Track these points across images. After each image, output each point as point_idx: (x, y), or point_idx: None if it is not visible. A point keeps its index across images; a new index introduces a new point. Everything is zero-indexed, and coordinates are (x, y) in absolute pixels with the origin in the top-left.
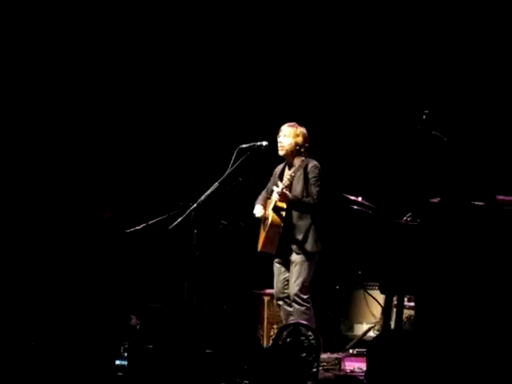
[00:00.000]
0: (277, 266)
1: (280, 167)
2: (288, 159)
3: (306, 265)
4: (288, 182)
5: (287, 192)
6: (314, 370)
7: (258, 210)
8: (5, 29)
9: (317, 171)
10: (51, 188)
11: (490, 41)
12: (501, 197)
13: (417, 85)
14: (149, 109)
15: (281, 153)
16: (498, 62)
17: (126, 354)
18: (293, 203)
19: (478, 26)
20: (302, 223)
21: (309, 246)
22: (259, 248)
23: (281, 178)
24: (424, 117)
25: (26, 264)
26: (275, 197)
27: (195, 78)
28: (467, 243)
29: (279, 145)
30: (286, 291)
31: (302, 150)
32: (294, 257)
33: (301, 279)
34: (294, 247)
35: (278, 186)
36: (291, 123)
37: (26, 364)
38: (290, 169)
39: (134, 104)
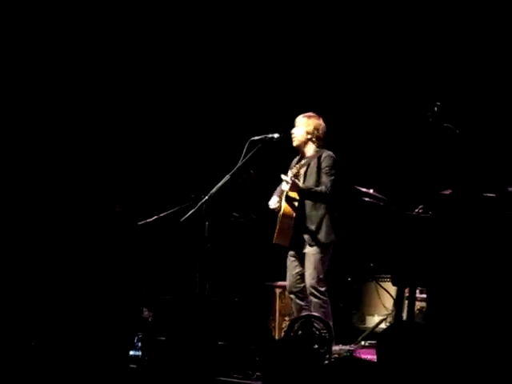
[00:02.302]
0: (290, 260)
1: (296, 159)
2: (300, 150)
3: (319, 257)
4: (296, 171)
5: (297, 181)
6: (326, 362)
7: (273, 202)
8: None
9: (330, 161)
10: (63, 182)
11: (503, 33)
12: None
13: (429, 77)
14: (160, 101)
15: (293, 144)
16: (510, 54)
17: (139, 344)
18: (304, 192)
19: (490, 18)
20: (315, 214)
21: (322, 236)
22: (273, 240)
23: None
24: (436, 109)
25: (39, 257)
26: (284, 186)
27: (208, 69)
28: (479, 235)
29: (292, 136)
30: (298, 285)
31: (314, 139)
32: (308, 249)
33: (316, 272)
34: (306, 238)
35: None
36: (306, 113)
37: (37, 356)
38: (300, 160)
39: (144, 96)
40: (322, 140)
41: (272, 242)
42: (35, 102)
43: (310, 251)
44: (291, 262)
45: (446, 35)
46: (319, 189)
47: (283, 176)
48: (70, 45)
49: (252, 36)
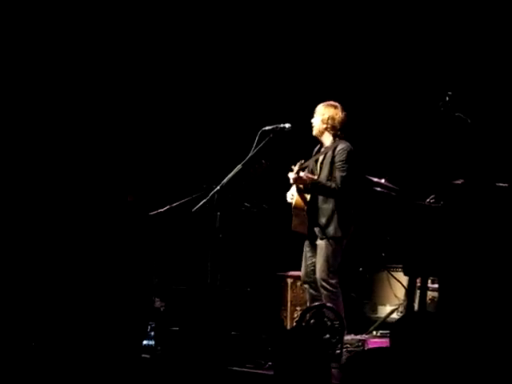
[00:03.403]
0: (306, 250)
1: (317, 148)
2: (319, 139)
3: (330, 249)
4: (298, 168)
5: (303, 174)
6: (338, 351)
7: (289, 195)
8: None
9: (344, 155)
10: (75, 173)
11: None
12: None
13: (440, 66)
14: (172, 91)
15: (313, 133)
16: None
17: (152, 334)
18: (311, 186)
19: (502, 8)
20: (326, 206)
21: (331, 230)
22: (292, 227)
23: (315, 159)
24: (447, 98)
25: (53, 247)
26: (291, 181)
27: (220, 60)
28: (491, 225)
29: (312, 125)
30: (311, 276)
31: (329, 128)
32: (319, 241)
33: (326, 264)
34: (316, 231)
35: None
36: (325, 102)
37: (51, 344)
38: (320, 149)
39: (156, 86)
40: (338, 130)
41: (287, 231)
42: (46, 94)
43: (321, 244)
44: (306, 252)
45: (457, 25)
46: (329, 184)
47: (290, 174)
48: (80, 42)
49: (264, 26)
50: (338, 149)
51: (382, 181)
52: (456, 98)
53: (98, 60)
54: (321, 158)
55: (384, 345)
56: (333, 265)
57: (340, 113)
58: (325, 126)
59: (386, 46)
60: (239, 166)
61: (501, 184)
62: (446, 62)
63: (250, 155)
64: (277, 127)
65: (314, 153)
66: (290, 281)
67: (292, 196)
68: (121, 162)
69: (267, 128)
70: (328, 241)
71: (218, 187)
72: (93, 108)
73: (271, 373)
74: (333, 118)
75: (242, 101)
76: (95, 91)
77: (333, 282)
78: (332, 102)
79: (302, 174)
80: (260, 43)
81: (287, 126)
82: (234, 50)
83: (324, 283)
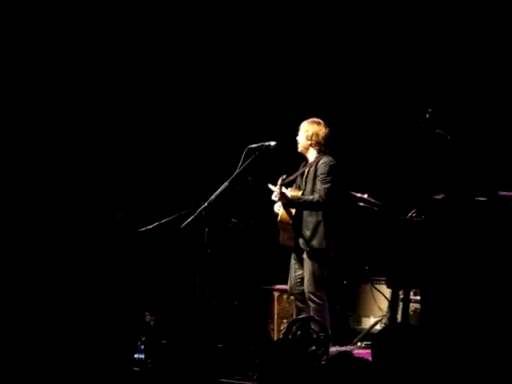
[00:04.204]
0: (292, 262)
1: (303, 164)
2: (304, 155)
3: (316, 263)
4: (280, 183)
5: (284, 190)
6: (323, 362)
7: (276, 206)
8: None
9: (327, 168)
10: (65, 190)
11: (492, 40)
12: (503, 193)
13: (420, 83)
14: (159, 108)
15: (298, 149)
16: (499, 61)
17: (143, 347)
18: (293, 202)
19: (480, 25)
20: (310, 219)
21: (316, 243)
22: (280, 241)
23: (301, 175)
24: (427, 115)
25: (41, 264)
26: (274, 197)
27: (206, 78)
28: (471, 238)
29: (297, 142)
30: (298, 288)
31: (314, 144)
32: (305, 255)
33: (312, 278)
34: (301, 243)
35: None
36: (309, 119)
37: (41, 359)
38: (305, 165)
39: (144, 103)
40: (323, 145)
41: (273, 245)
42: (36, 112)
43: (307, 257)
44: (293, 265)
45: (436, 44)
46: (311, 197)
47: (271, 186)
48: (69, 47)
49: (249, 43)
50: (320, 163)
51: (365, 196)
52: (436, 116)
53: (79, 79)
54: (305, 172)
55: (368, 356)
56: (320, 277)
57: (324, 129)
58: (309, 142)
59: (368, 64)
60: (226, 183)
61: (480, 198)
62: (426, 80)
63: (236, 172)
64: (262, 145)
65: (299, 169)
66: (276, 294)
67: (279, 208)
68: (111, 179)
69: (253, 146)
70: (313, 254)
71: (206, 204)
72: (83, 124)
73: None
74: (317, 134)
75: (229, 119)
76: (87, 104)
77: (320, 294)
78: (315, 119)
79: (284, 190)
80: (246, 62)
81: (272, 143)
82: (222, 69)
83: (312, 296)
